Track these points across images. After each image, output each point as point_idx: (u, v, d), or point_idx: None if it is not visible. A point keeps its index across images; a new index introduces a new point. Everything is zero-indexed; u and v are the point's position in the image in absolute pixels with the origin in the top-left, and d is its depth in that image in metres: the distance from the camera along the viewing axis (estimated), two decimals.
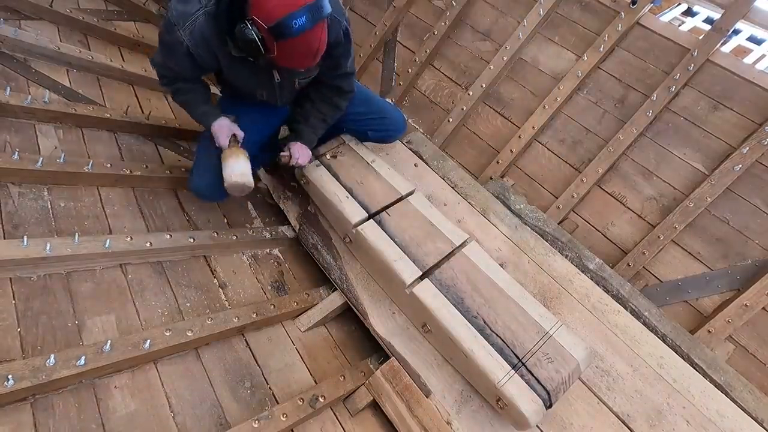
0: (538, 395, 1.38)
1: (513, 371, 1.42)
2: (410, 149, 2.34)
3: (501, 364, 1.43)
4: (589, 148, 2.35)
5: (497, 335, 1.50)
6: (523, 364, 1.44)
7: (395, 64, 2.91)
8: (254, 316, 1.55)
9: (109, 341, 1.22)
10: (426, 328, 1.60)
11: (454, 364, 1.59)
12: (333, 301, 1.78)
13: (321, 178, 1.85)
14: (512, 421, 1.44)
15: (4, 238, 1.33)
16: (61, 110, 1.76)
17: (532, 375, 1.43)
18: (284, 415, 1.32)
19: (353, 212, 1.75)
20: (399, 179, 1.92)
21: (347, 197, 1.79)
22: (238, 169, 1.58)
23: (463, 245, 1.72)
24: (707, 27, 3.31)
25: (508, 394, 1.38)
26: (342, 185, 1.83)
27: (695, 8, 3.67)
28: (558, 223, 2.21)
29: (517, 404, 1.36)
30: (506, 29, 2.57)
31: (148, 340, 1.28)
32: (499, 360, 1.44)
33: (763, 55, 3.57)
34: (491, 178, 2.51)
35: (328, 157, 1.94)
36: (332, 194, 1.79)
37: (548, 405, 1.39)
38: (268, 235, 1.90)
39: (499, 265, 1.71)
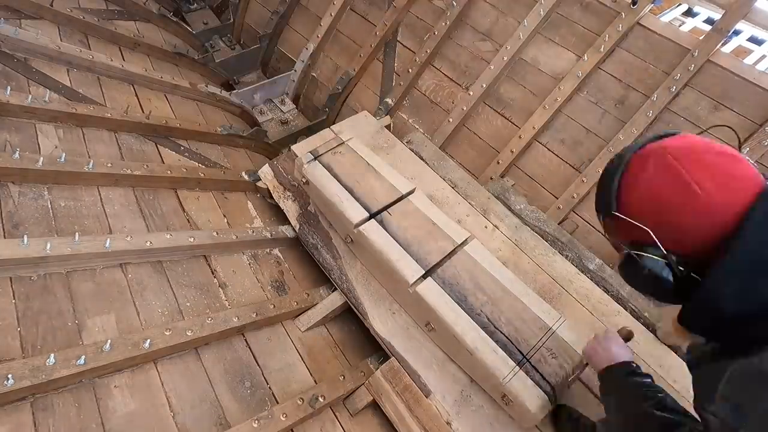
0: (543, 391, 1.39)
1: (517, 367, 1.42)
2: (410, 149, 2.34)
3: (505, 361, 1.43)
4: (590, 148, 2.35)
5: (501, 332, 1.50)
6: (528, 360, 1.44)
7: (395, 64, 2.91)
8: (254, 316, 1.55)
9: (109, 341, 1.22)
10: (429, 326, 1.60)
11: (458, 362, 1.59)
12: (333, 301, 1.78)
13: (321, 178, 1.84)
14: (518, 417, 1.44)
15: (5, 238, 1.33)
16: (61, 110, 1.76)
17: (537, 371, 1.43)
18: (284, 415, 1.32)
19: (354, 212, 1.75)
20: (399, 178, 1.91)
21: (348, 197, 1.79)
22: None
23: (464, 243, 1.72)
24: (708, 27, 3.31)
25: (513, 390, 1.38)
26: (342, 185, 1.83)
27: (696, 9, 3.67)
28: (558, 223, 2.21)
29: (522, 400, 1.37)
30: (507, 29, 2.56)
31: (148, 340, 1.28)
32: (503, 357, 1.44)
33: (764, 56, 3.56)
34: (491, 179, 2.50)
35: (327, 156, 1.93)
36: (333, 195, 1.79)
37: (553, 400, 1.40)
38: (268, 235, 1.90)
39: None
